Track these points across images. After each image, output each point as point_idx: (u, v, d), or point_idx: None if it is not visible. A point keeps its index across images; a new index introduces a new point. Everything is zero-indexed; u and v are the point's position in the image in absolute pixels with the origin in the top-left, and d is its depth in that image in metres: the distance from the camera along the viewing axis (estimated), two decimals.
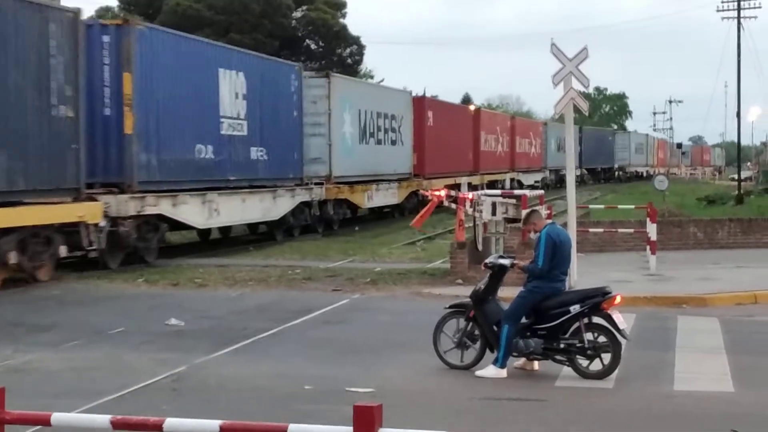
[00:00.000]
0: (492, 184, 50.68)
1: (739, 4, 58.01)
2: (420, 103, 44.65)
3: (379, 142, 39.33)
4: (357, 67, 67.53)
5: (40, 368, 11.80)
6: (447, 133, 47.10)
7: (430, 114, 45.15)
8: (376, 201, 39.00)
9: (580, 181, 75.03)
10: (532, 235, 11.75)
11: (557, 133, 74.82)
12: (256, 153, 28.85)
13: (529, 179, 65.01)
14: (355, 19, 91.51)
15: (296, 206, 31.42)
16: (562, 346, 11.24)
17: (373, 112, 38.53)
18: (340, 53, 65.16)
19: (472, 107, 59.00)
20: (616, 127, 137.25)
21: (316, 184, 32.68)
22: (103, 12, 58.03)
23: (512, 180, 58.74)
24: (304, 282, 19.88)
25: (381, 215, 42.46)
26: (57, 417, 5.42)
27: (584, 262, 20.66)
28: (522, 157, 65.58)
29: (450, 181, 45.24)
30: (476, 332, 11.70)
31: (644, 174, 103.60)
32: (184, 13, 55.89)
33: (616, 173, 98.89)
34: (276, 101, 30.19)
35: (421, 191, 40.50)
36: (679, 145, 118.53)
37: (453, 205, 20.06)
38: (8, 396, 5.47)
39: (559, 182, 70.16)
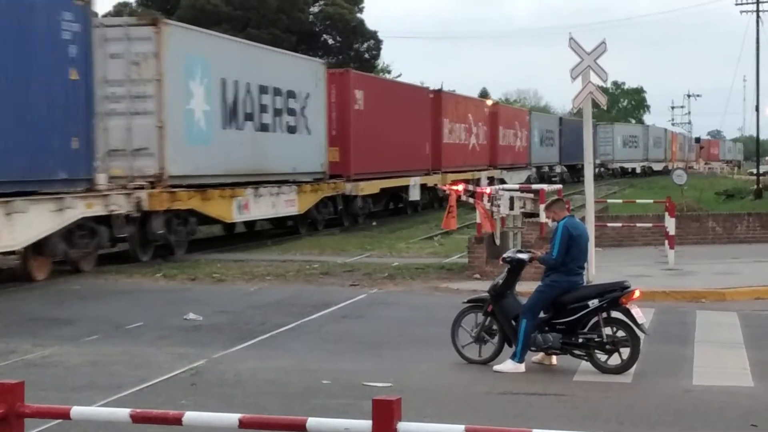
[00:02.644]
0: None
1: None
2: (343, 81, 33.54)
3: (263, 127, 28.06)
4: (374, 62, 67.60)
5: (59, 362, 11.84)
6: (388, 120, 36.46)
7: (359, 95, 34.06)
8: (255, 211, 27.46)
9: (560, 180, 64.17)
10: (551, 224, 11.74)
11: (541, 124, 66.09)
12: None
13: (514, 178, 53.43)
14: (372, 14, 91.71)
15: (72, 224, 19.86)
16: (580, 340, 11.23)
17: (252, 85, 27.33)
18: (357, 48, 65.21)
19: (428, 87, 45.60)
20: (633, 121, 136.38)
21: (137, 187, 22.12)
22: (121, 7, 58.13)
23: (490, 179, 48.02)
24: (321, 277, 19.90)
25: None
26: (77, 411, 5.43)
27: (602, 256, 20.60)
28: (506, 151, 54.71)
29: (392, 182, 36.95)
30: (494, 327, 11.70)
31: (635, 170, 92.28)
32: (202, 8, 55.99)
33: (597, 170, 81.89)
34: (23, 54, 18.49)
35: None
36: (698, 140, 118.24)
37: (471, 200, 20.03)
38: (27, 390, 5.48)
39: (542, 180, 60.19)
